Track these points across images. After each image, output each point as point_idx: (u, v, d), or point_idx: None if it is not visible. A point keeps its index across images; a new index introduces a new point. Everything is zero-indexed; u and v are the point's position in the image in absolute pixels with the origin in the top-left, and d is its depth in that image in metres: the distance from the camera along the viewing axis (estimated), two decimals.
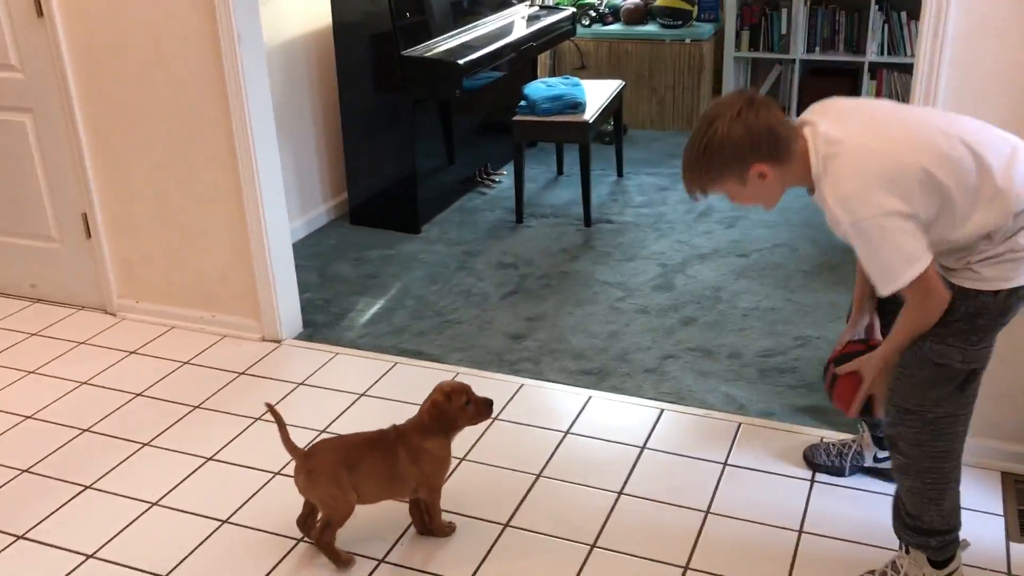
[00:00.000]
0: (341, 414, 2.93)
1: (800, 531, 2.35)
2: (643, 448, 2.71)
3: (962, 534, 2.08)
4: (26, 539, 2.42)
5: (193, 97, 3.15)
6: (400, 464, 2.22)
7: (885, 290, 1.82)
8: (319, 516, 2.28)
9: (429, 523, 2.35)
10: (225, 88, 3.08)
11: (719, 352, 3.22)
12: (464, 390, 2.25)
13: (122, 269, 3.53)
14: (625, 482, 2.56)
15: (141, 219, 3.42)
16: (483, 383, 3.05)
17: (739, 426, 2.79)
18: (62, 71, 3.26)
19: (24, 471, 2.69)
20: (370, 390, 3.06)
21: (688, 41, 5.58)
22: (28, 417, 2.95)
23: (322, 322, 3.54)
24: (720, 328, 3.39)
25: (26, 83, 3.37)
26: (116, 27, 3.15)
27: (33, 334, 3.48)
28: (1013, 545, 2.27)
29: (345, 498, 2.21)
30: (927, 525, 2.01)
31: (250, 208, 3.23)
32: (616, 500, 2.49)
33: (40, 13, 3.22)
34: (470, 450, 2.71)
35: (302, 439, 2.78)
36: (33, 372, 3.22)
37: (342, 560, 2.26)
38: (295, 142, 4.24)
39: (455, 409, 2.23)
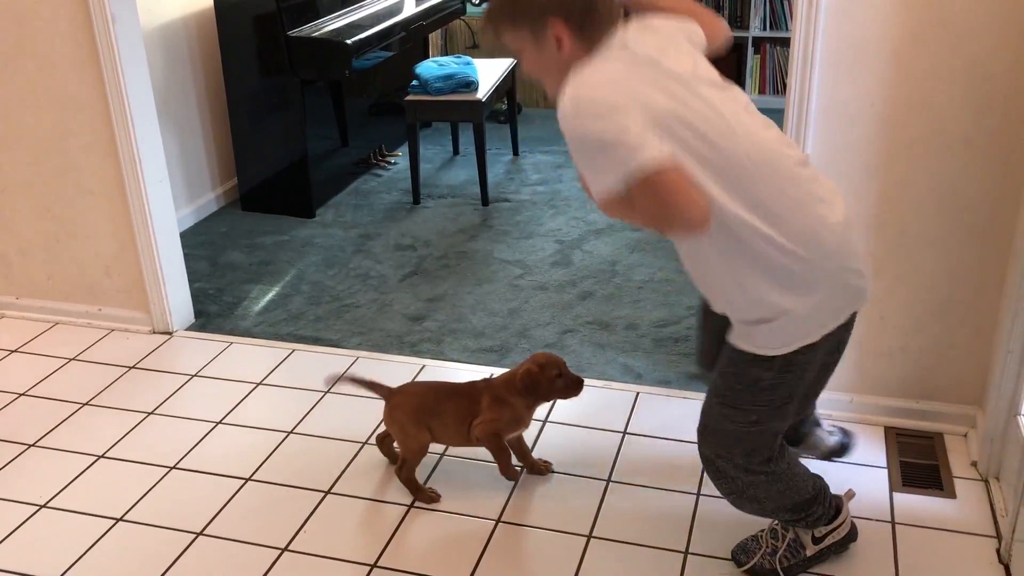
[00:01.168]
0: (238, 404, 2.87)
1: (698, 494, 2.41)
2: (545, 422, 2.73)
3: (848, 486, 2.18)
4: None
5: (66, 83, 3.01)
6: (481, 411, 2.34)
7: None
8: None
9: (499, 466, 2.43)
10: (101, 72, 2.96)
11: (616, 324, 3.28)
12: (558, 364, 2.33)
13: (1, 264, 3.37)
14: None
15: (16, 212, 3.26)
16: (384, 366, 3.04)
17: (637, 395, 2.85)
18: None
19: None
20: (267, 378, 3.00)
21: None
22: None
23: (215, 312, 3.46)
24: (617, 301, 3.44)
25: None
26: None
27: None
28: (896, 495, 2.39)
29: (418, 437, 2.36)
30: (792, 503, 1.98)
31: (133, 197, 3.11)
32: (521, 472, 2.51)
33: None
34: (375, 431, 2.69)
35: (197, 431, 2.73)
36: None
37: (424, 495, 2.40)
38: (180, 128, 4.10)
39: (547, 380, 2.31)
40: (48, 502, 2.45)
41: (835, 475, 2.25)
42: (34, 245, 3.29)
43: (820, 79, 2.36)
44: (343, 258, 3.88)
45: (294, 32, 4.05)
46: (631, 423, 2.72)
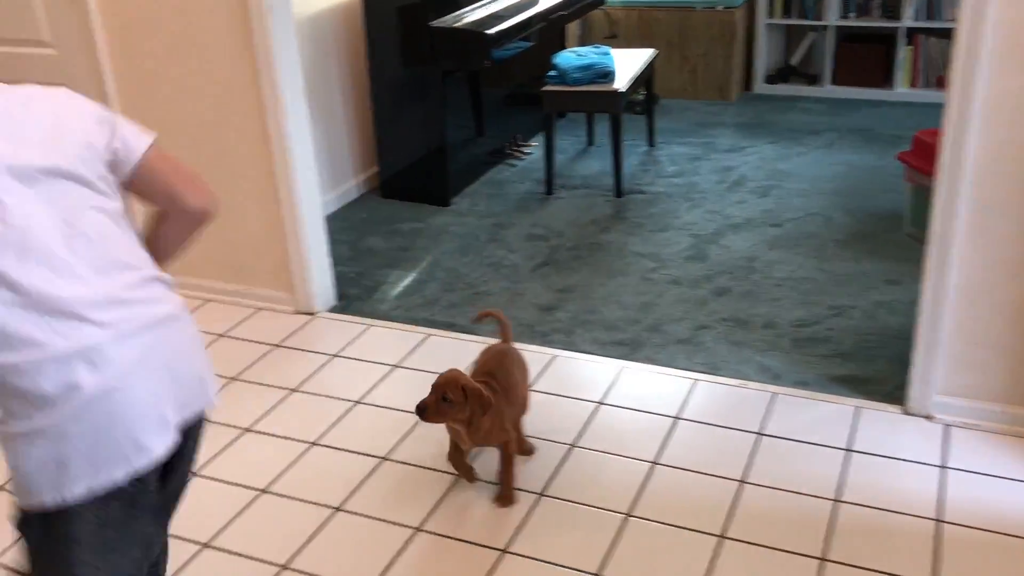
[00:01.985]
0: (375, 385, 2.95)
1: (835, 500, 2.34)
2: (677, 419, 2.70)
3: (1006, 504, 2.06)
4: None
5: (224, 71, 3.15)
6: None
7: None
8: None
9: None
10: (255, 61, 3.08)
11: (753, 322, 3.20)
12: (442, 387, 2.24)
13: None
14: (659, 452, 2.56)
15: None
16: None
17: (773, 396, 2.78)
18: (93, 46, 3.27)
19: None
20: (403, 361, 3.08)
21: (720, 8, 5.50)
22: None
23: (355, 295, 3.56)
24: (754, 298, 3.36)
25: (59, 59, 3.39)
26: (147, 2, 3.15)
27: None
28: None
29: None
30: None
31: (282, 182, 3.24)
32: (650, 470, 2.49)
33: None
34: None
35: (336, 410, 2.82)
36: None
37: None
38: (325, 116, 4.24)
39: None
40: (199, 471, 2.59)
41: (1002, 493, 2.14)
42: None
43: (986, 70, 2.24)
44: (477, 246, 3.93)
45: (436, 22, 4.12)
46: (766, 424, 2.65)
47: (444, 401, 2.22)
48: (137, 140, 1.57)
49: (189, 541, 2.32)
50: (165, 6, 3.13)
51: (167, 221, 1.64)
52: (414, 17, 4.12)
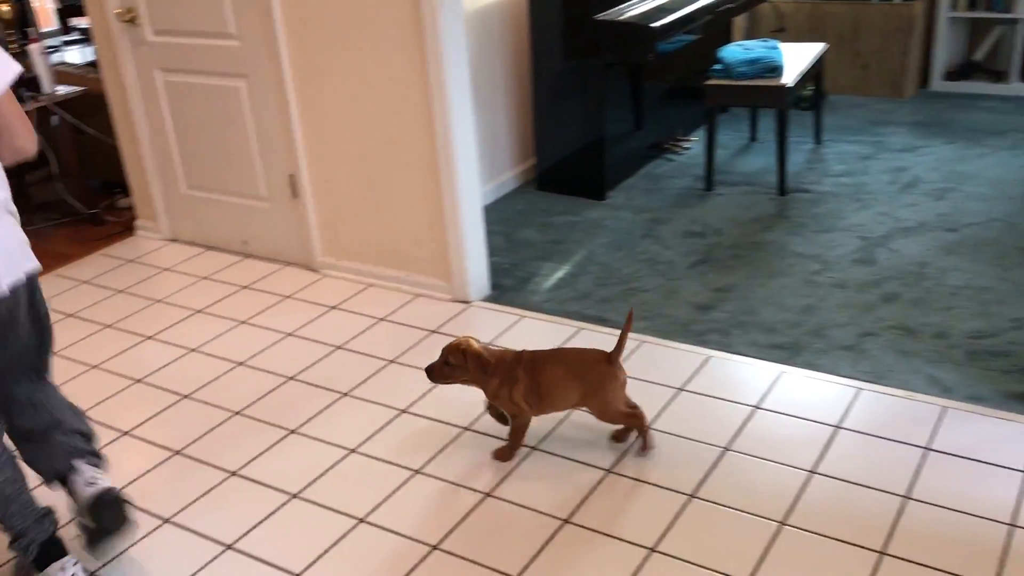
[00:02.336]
0: None
1: (1011, 525, 2.19)
2: (838, 427, 2.59)
3: None
4: (238, 476, 2.61)
5: (394, 62, 3.25)
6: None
7: None
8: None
9: None
10: (424, 53, 3.16)
11: (923, 331, 3.04)
12: (449, 350, 2.47)
13: (325, 229, 3.72)
14: (817, 461, 2.47)
15: (343, 181, 3.57)
16: (667, 353, 3.02)
17: (943, 410, 2.62)
18: (274, 38, 3.44)
19: (236, 413, 2.90)
20: None
21: (898, 1, 5.23)
22: (240, 364, 3.18)
23: (509, 286, 3.60)
24: (925, 306, 3.19)
25: (242, 50, 3.58)
26: None
27: (244, 287, 3.73)
28: None
29: None
30: None
31: (444, 173, 3.31)
32: (807, 479, 2.40)
33: None
34: (655, 419, 2.69)
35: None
36: (244, 322, 3.45)
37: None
38: (486, 108, 4.30)
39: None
40: (357, 447, 2.69)
41: None
42: (356, 213, 3.60)
43: None
44: (631, 242, 3.90)
45: (601, 15, 4.10)
46: (935, 439, 2.51)
47: (447, 364, 2.44)
48: None
49: (343, 515, 2.41)
50: (343, 1, 3.25)
51: None
52: (579, 10, 4.12)
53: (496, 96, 4.37)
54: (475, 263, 3.48)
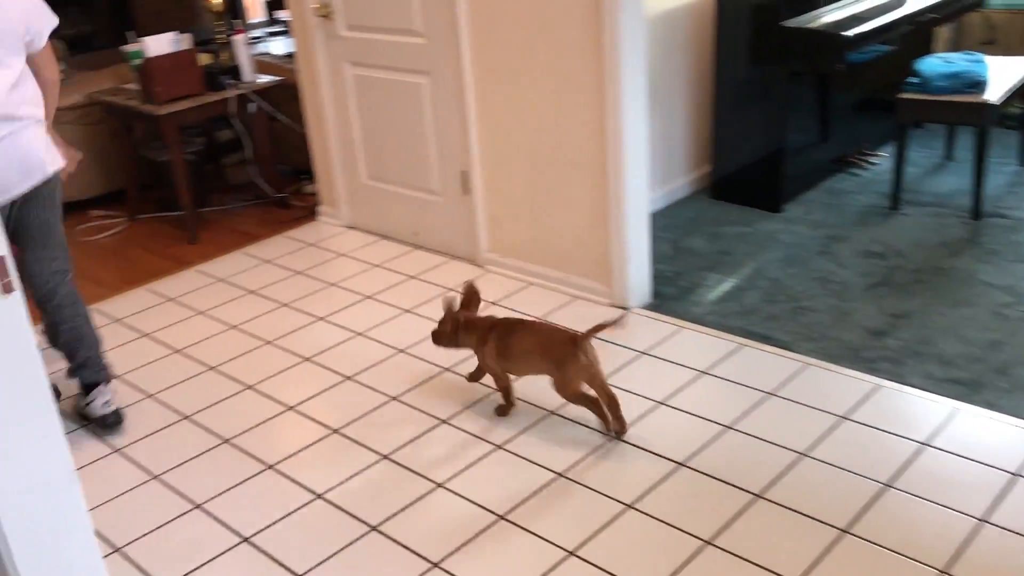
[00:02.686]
0: (680, 389, 2.91)
1: None
2: (1016, 475, 2.39)
3: None
4: (389, 460, 2.69)
5: (571, 64, 3.25)
6: None
7: None
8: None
9: None
10: (602, 56, 3.14)
11: None
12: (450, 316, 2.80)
13: (492, 225, 3.77)
14: (990, 510, 2.28)
15: (513, 179, 3.62)
16: (833, 379, 2.88)
17: None
18: (457, 37, 3.52)
19: (393, 398, 2.99)
20: (711, 369, 3.00)
21: None
22: (400, 351, 3.28)
23: (670, 294, 3.53)
24: None
25: (427, 47, 3.68)
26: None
27: (412, 276, 3.84)
28: None
29: None
30: None
31: (613, 176, 3.28)
32: (977, 528, 2.23)
33: None
34: (813, 445, 2.57)
35: (638, 408, 2.82)
36: (408, 311, 3.56)
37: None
38: (664, 112, 4.24)
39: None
40: (503, 444, 2.71)
41: None
42: (522, 210, 3.63)
43: None
44: (805, 258, 3.74)
45: (790, 22, 3.95)
46: None
47: (444, 330, 2.81)
48: (41, 39, 2.65)
49: (484, 509, 2.44)
50: (525, 4, 3.28)
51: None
52: (768, 15, 3.99)
53: (675, 100, 4.30)
54: (637, 269, 3.43)
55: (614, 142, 3.24)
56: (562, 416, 2.82)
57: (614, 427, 2.69)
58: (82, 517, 1.54)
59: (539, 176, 3.52)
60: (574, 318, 3.38)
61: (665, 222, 4.17)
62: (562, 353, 2.60)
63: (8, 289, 1.36)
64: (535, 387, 2.88)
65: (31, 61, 2.64)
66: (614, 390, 2.68)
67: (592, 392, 2.65)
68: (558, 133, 3.39)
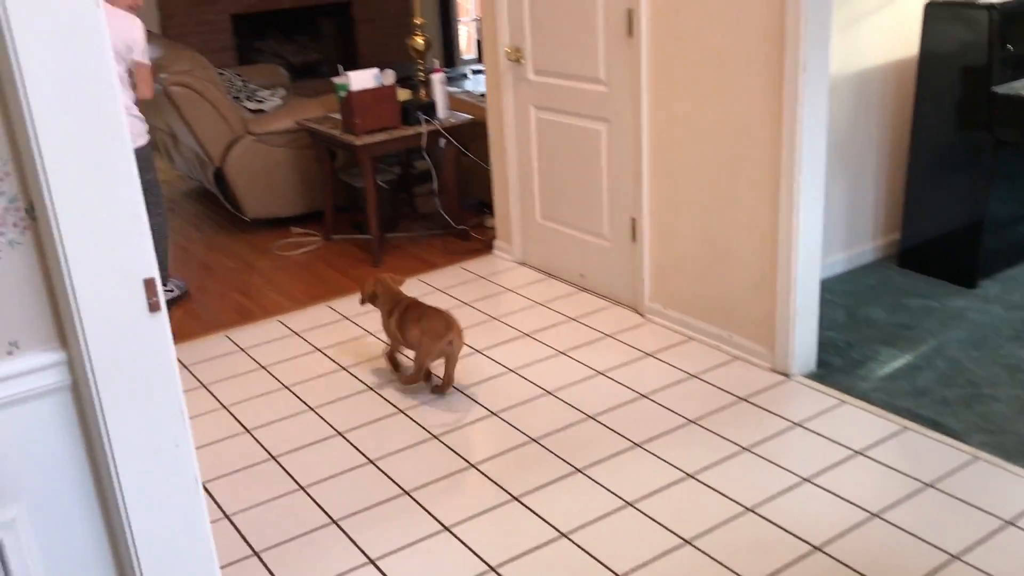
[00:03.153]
0: (831, 466, 2.77)
1: None
2: None
3: None
4: (518, 501, 2.72)
5: (748, 121, 3.19)
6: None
7: None
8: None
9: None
10: (780, 115, 3.07)
11: None
12: (379, 280, 3.46)
13: (657, 274, 3.74)
14: None
15: (680, 230, 3.58)
16: (1006, 478, 2.65)
17: None
18: (639, 87, 3.53)
19: (533, 440, 3.02)
20: (869, 450, 2.84)
21: None
22: (548, 393, 3.31)
23: (837, 365, 3.37)
24: None
25: (608, 96, 3.72)
26: (692, 49, 3.31)
27: (572, 318, 3.87)
28: None
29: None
30: None
31: (783, 237, 3.18)
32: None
33: (630, 33, 3.53)
34: (968, 550, 2.36)
35: (782, 481, 2.70)
36: (562, 353, 3.58)
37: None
38: (852, 173, 4.06)
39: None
40: (634, 502, 2.68)
41: None
42: (688, 262, 3.58)
43: None
44: (994, 341, 3.46)
45: (1001, 88, 3.69)
46: None
47: (373, 292, 3.43)
48: (142, 57, 3.76)
49: (604, 567, 2.42)
50: (707, 54, 3.26)
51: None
52: (977, 79, 3.75)
53: (866, 161, 4.10)
54: (802, 335, 3.30)
55: (787, 202, 3.14)
56: (698, 480, 2.75)
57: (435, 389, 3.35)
58: (204, 525, 1.67)
59: (708, 230, 3.46)
60: (730, 380, 3.30)
61: (844, 288, 3.98)
62: (434, 334, 3.24)
63: (155, 308, 1.50)
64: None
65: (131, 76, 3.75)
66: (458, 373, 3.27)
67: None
68: (730, 189, 3.33)
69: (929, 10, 3.83)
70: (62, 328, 1.51)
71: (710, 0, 3.20)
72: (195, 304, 4.33)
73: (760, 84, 3.11)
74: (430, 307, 3.36)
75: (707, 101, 3.32)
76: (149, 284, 1.49)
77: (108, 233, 1.44)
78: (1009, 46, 3.73)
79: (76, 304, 1.45)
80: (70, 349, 1.51)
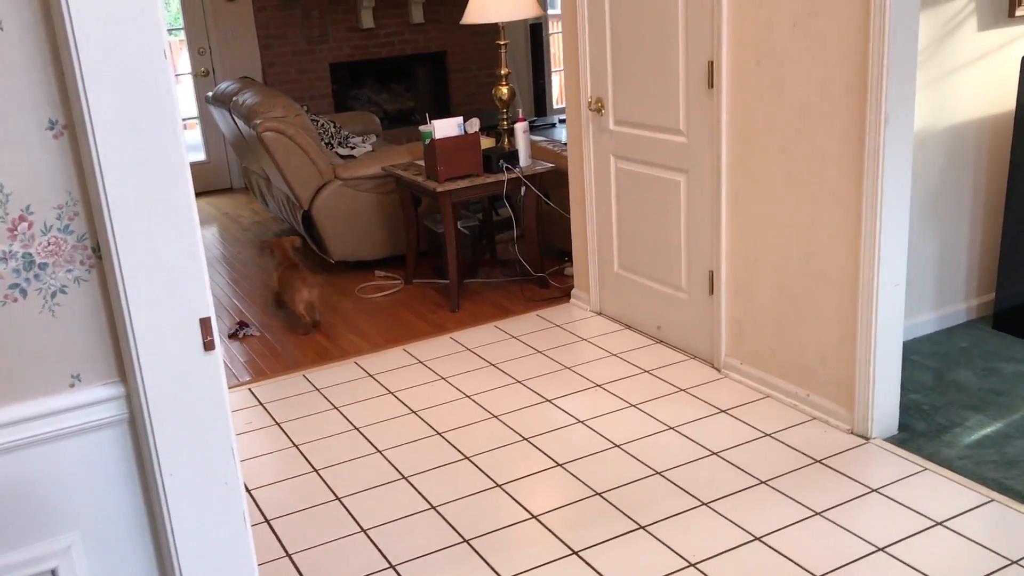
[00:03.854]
0: (908, 537, 2.64)
1: None
2: None
3: None
4: (578, 556, 2.67)
5: (828, 173, 3.12)
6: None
7: None
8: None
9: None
10: (862, 168, 2.99)
11: None
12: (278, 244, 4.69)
13: (734, 329, 3.67)
14: None
15: (758, 284, 3.50)
16: None
17: None
18: (718, 138, 3.50)
19: (597, 494, 2.97)
20: (950, 521, 2.69)
21: None
22: (616, 446, 3.25)
23: (921, 430, 3.22)
24: None
25: (688, 147, 3.70)
26: (772, 101, 3.27)
27: (646, 371, 3.82)
28: None
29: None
30: None
31: (864, 294, 3.08)
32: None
33: (711, 85, 3.51)
34: None
35: (855, 550, 2.58)
36: (633, 405, 3.53)
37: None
38: (945, 231, 3.91)
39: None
40: (697, 562, 2.60)
41: None
42: (766, 318, 3.50)
43: None
44: None
45: None
46: None
47: (271, 251, 4.71)
48: None
49: None
50: (787, 106, 3.22)
51: None
52: None
53: (959, 219, 3.96)
54: (884, 397, 3.17)
55: (868, 259, 3.05)
56: (766, 544, 2.65)
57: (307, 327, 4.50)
58: (250, 562, 1.69)
59: (786, 285, 3.38)
60: (806, 441, 3.19)
61: (933, 349, 3.82)
62: (295, 290, 4.47)
63: (210, 347, 1.54)
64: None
65: None
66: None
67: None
68: (810, 243, 3.25)
69: None
70: (121, 363, 1.56)
71: (791, 52, 3.16)
72: (276, 343, 4.44)
73: (841, 137, 3.05)
74: (302, 272, 4.55)
75: (787, 153, 3.26)
76: (205, 323, 1.53)
77: (167, 273, 1.49)
78: None
79: (134, 340, 1.50)
80: (128, 384, 1.56)
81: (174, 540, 1.60)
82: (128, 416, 1.59)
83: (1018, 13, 3.80)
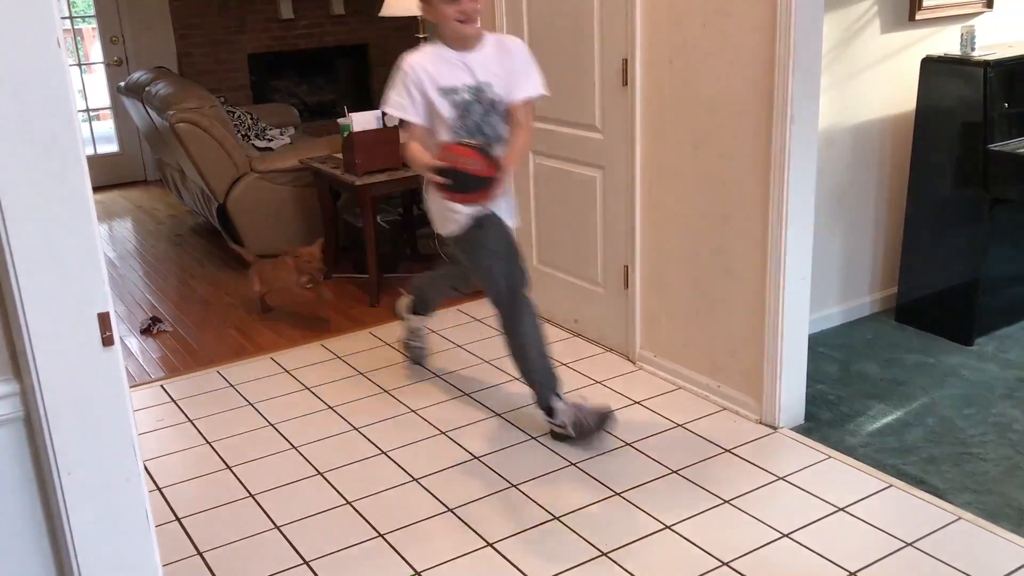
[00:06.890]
0: (812, 523, 2.73)
1: None
2: None
3: None
4: (492, 547, 2.69)
5: (737, 172, 3.20)
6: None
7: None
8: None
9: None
10: (769, 166, 3.08)
11: None
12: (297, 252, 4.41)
13: (648, 322, 3.74)
14: None
15: (671, 278, 3.57)
16: (989, 540, 2.60)
17: None
18: (633, 135, 3.56)
19: (512, 486, 3.00)
20: (850, 507, 2.79)
21: None
22: (532, 438, 3.28)
23: (826, 419, 3.33)
24: None
25: (603, 143, 3.75)
26: (684, 99, 3.34)
27: (563, 364, 3.85)
28: None
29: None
30: None
31: (771, 288, 3.17)
32: None
33: (625, 82, 3.56)
34: None
35: (761, 536, 2.66)
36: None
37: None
38: (849, 227, 4.05)
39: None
40: (608, 552, 2.64)
41: None
42: (679, 311, 3.57)
43: None
44: (987, 400, 3.42)
45: (996, 146, 3.69)
46: None
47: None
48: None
49: None
50: (697, 104, 3.28)
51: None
52: (974, 137, 3.75)
53: (864, 215, 4.10)
54: (791, 388, 3.27)
55: (775, 254, 3.14)
56: (676, 532, 2.71)
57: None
58: (154, 562, 1.66)
59: (698, 280, 3.46)
60: (716, 431, 3.27)
61: (838, 341, 3.96)
62: (286, 271, 4.38)
63: (108, 343, 1.51)
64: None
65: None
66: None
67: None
68: (719, 239, 3.33)
69: (926, 66, 3.86)
70: (16, 360, 1.52)
71: (702, 51, 3.23)
72: (191, 339, 4.35)
73: (749, 135, 3.13)
74: (284, 263, 4.47)
75: (698, 150, 3.34)
76: (103, 318, 1.50)
77: (63, 268, 1.46)
78: (1006, 104, 3.74)
79: (29, 336, 1.46)
80: (23, 381, 1.52)
81: (72, 541, 1.57)
82: (23, 414, 1.55)
83: (918, 16, 3.95)
